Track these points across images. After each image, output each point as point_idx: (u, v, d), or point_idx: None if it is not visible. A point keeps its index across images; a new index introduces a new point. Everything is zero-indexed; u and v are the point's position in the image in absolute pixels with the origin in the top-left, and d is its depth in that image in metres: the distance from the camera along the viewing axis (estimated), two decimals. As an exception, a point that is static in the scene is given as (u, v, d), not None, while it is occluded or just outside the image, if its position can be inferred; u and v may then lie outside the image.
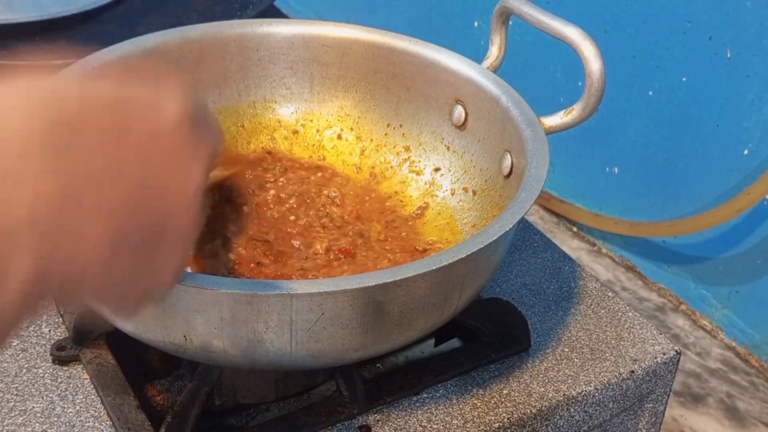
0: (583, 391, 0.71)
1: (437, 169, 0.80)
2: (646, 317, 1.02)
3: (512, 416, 0.68)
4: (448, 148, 0.80)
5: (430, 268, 0.56)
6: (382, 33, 0.81)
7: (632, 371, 0.73)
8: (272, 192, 0.77)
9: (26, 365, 0.69)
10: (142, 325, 0.59)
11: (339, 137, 0.84)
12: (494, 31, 0.77)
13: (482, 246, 0.58)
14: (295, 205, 0.76)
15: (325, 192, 0.78)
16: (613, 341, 0.76)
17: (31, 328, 0.72)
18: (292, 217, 0.75)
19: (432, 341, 0.76)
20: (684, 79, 1.58)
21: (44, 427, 0.64)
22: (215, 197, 0.67)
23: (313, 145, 0.84)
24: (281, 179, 0.80)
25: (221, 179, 0.65)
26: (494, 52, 0.77)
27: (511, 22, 0.77)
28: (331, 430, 0.65)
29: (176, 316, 0.56)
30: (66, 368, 0.69)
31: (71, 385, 0.68)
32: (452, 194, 0.78)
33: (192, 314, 0.56)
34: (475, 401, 0.69)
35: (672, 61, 1.58)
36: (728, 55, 1.49)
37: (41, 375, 0.68)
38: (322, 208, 0.76)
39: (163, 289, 0.42)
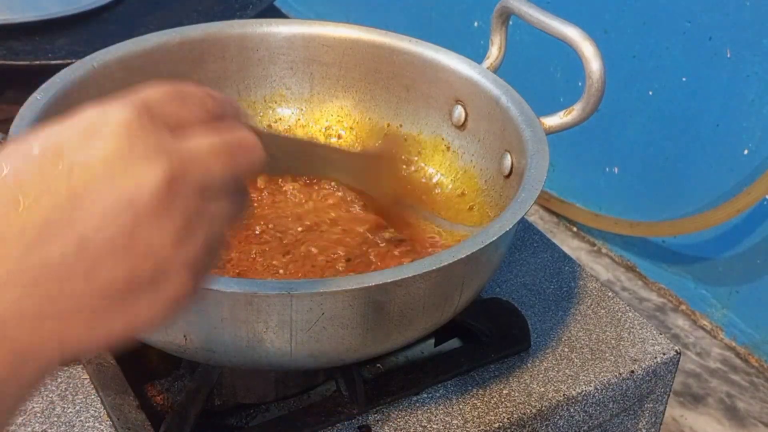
0: (583, 391, 0.71)
1: (437, 170, 0.80)
2: (646, 317, 1.02)
3: (512, 416, 0.68)
4: (448, 148, 0.80)
5: (430, 268, 0.56)
6: (382, 33, 0.81)
7: (632, 371, 0.73)
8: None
9: (26, 365, 0.69)
10: (142, 325, 0.59)
11: (339, 137, 0.84)
12: (494, 31, 0.77)
13: (482, 246, 0.58)
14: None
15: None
16: (613, 341, 0.76)
17: (31, 328, 0.72)
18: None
19: (432, 341, 0.76)
20: (684, 79, 1.57)
21: (44, 427, 0.64)
22: None
23: (313, 145, 0.84)
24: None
25: None
26: (494, 52, 0.77)
27: (511, 22, 0.77)
28: (331, 430, 0.65)
29: (176, 316, 0.56)
30: (66, 368, 0.69)
31: (71, 385, 0.68)
32: (452, 194, 0.78)
33: (192, 314, 0.56)
34: (475, 401, 0.69)
35: (672, 61, 1.58)
36: (728, 55, 1.49)
37: (41, 375, 0.68)
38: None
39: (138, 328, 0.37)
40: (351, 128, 0.84)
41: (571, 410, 0.71)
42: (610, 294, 0.81)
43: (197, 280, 0.37)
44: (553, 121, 0.71)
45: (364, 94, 0.83)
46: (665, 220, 1.66)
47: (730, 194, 1.54)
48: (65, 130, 0.34)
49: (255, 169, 0.39)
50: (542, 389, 0.70)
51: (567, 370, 0.72)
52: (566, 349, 0.75)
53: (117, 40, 0.76)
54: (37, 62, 0.94)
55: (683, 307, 1.73)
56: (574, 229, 1.90)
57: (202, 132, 0.37)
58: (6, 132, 0.64)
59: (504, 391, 0.70)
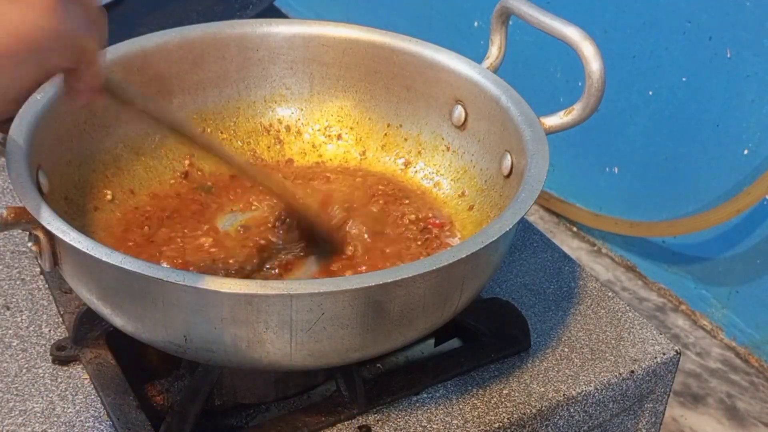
0: (583, 391, 0.71)
1: (437, 170, 0.80)
2: (646, 317, 1.02)
3: (512, 416, 0.68)
4: (448, 148, 0.80)
5: (430, 268, 0.56)
6: (382, 33, 0.81)
7: (632, 371, 0.73)
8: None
9: (26, 365, 0.69)
10: (142, 325, 0.59)
11: (339, 137, 0.84)
12: (494, 31, 0.77)
13: (482, 246, 0.58)
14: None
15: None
16: (613, 341, 0.76)
17: (31, 328, 0.72)
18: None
19: (432, 341, 0.76)
20: (684, 79, 1.57)
21: (44, 427, 0.64)
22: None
23: (314, 145, 0.84)
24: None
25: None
26: (494, 52, 0.77)
27: (511, 22, 0.77)
28: (331, 430, 0.65)
29: (176, 316, 0.56)
30: (66, 368, 0.69)
31: (71, 385, 0.68)
32: (452, 194, 0.79)
33: (192, 314, 0.56)
34: (475, 401, 0.69)
35: (672, 61, 1.58)
36: (728, 55, 1.49)
37: (41, 375, 0.68)
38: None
39: None
40: (351, 128, 0.84)
41: (571, 410, 0.71)
42: (610, 294, 0.81)
43: None
44: (553, 121, 0.71)
45: (364, 94, 0.83)
46: (665, 220, 1.66)
47: (730, 194, 1.54)
48: None
49: None
50: (542, 389, 0.70)
51: (567, 370, 0.72)
52: (566, 349, 0.75)
53: (117, 40, 0.76)
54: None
55: (683, 307, 1.73)
56: (574, 229, 1.90)
57: None
58: (6, 132, 0.64)
59: (504, 391, 0.70)
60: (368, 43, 0.81)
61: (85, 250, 0.55)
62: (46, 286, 0.76)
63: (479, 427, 0.67)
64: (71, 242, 0.55)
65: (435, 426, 0.67)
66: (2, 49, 0.45)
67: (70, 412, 0.66)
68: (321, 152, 0.84)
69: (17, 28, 0.45)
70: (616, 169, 1.77)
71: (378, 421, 0.66)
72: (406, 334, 0.61)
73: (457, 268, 0.58)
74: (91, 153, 0.73)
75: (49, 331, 0.72)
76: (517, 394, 0.70)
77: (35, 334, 0.72)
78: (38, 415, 0.65)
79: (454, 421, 0.67)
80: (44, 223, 0.56)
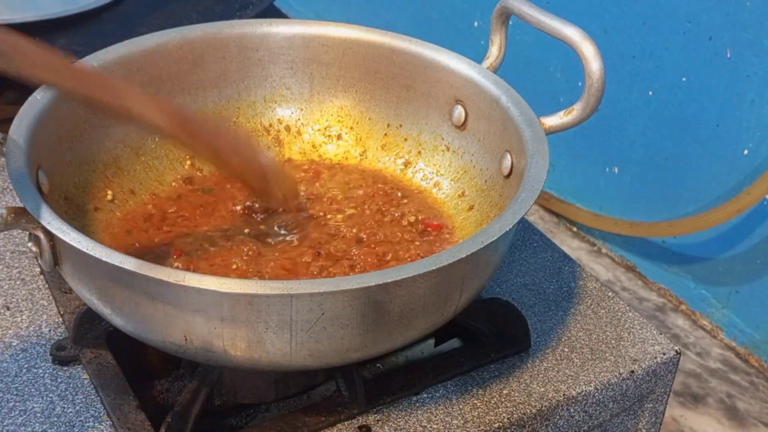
0: (583, 391, 0.71)
1: (437, 170, 0.80)
2: (646, 317, 1.02)
3: (512, 416, 0.68)
4: (448, 148, 0.80)
5: (430, 268, 0.56)
6: (382, 33, 0.81)
7: (632, 371, 0.73)
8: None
9: (26, 365, 0.69)
10: (142, 325, 0.59)
11: (339, 137, 0.84)
12: (494, 31, 0.77)
13: (482, 246, 0.58)
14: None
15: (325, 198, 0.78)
16: (613, 341, 0.76)
17: (31, 328, 0.72)
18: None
19: (432, 341, 0.76)
20: (684, 79, 1.57)
21: (44, 427, 0.64)
22: None
23: (313, 145, 0.84)
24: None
25: None
26: (494, 52, 0.77)
27: (511, 22, 0.77)
28: (331, 430, 0.65)
29: (176, 316, 0.56)
30: (66, 368, 0.69)
31: (71, 385, 0.68)
32: (452, 194, 0.79)
33: (192, 314, 0.56)
34: (475, 401, 0.69)
35: (672, 61, 1.58)
36: (728, 55, 1.49)
37: (41, 375, 0.68)
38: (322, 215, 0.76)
39: None
40: (351, 128, 0.84)
41: (571, 410, 0.71)
42: (610, 294, 0.81)
43: None
44: (553, 121, 0.71)
45: (364, 94, 0.83)
46: (665, 220, 1.66)
47: (730, 194, 1.54)
48: None
49: None
50: (542, 389, 0.70)
51: (567, 370, 0.72)
52: (566, 349, 0.75)
53: (117, 40, 0.77)
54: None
55: (683, 307, 1.73)
56: (574, 229, 1.90)
57: None
58: (6, 132, 0.64)
59: (504, 391, 0.70)
60: (368, 43, 0.81)
61: (85, 250, 0.55)
62: (46, 286, 0.76)
63: (479, 427, 0.67)
64: (71, 242, 0.55)
65: (435, 426, 0.67)
66: None
67: (70, 412, 0.66)
68: (321, 152, 0.84)
69: None
70: (616, 169, 1.77)
71: (378, 421, 0.66)
72: (406, 334, 0.61)
73: (457, 268, 0.58)
74: (91, 153, 0.73)
75: (49, 331, 0.72)
76: (517, 394, 0.70)
77: (35, 334, 0.72)
78: (38, 415, 0.65)
79: (454, 421, 0.67)
80: (44, 223, 0.56)
